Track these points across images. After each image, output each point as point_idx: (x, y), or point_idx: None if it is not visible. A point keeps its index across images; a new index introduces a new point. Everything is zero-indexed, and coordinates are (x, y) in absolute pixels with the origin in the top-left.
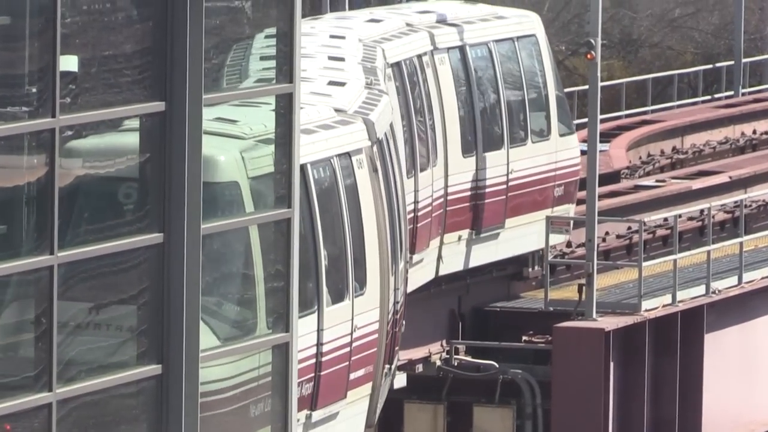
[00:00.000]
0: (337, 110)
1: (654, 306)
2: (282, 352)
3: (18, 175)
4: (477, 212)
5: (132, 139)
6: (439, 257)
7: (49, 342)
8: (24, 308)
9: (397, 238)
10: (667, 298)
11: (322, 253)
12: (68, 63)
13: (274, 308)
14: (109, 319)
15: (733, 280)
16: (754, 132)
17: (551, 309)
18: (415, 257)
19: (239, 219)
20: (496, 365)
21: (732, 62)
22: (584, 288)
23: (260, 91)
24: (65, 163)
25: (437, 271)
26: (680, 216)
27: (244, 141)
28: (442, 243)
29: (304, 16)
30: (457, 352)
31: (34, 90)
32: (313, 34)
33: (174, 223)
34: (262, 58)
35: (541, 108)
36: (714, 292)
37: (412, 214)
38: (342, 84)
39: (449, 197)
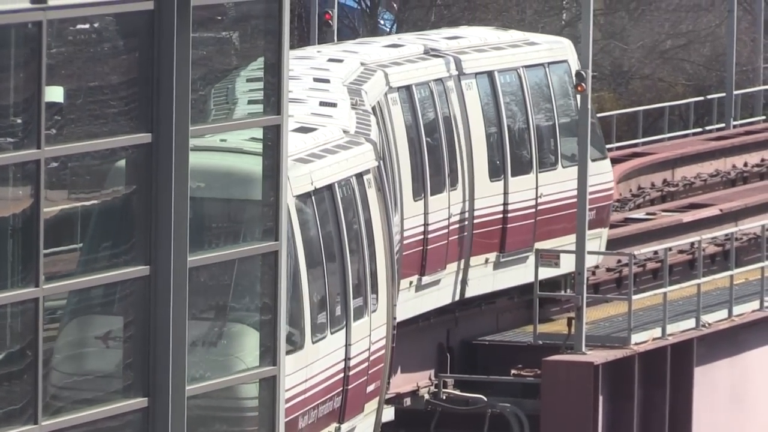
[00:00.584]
0: (344, 131)
1: (643, 339)
2: (269, 385)
3: (2, 206)
4: (505, 235)
5: None
6: (465, 280)
7: (35, 374)
8: (10, 340)
9: (394, 255)
10: (657, 332)
11: (349, 269)
12: (54, 94)
13: (262, 341)
14: (96, 351)
15: (723, 313)
16: (745, 165)
17: (540, 342)
18: (427, 278)
19: (226, 252)
20: (485, 399)
21: (723, 94)
22: (573, 321)
23: (248, 123)
24: (50, 195)
25: (463, 294)
26: (670, 249)
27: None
28: (468, 266)
29: (291, 47)
30: (445, 385)
31: (19, 121)
32: (314, 57)
33: (160, 255)
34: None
35: (572, 133)
36: (704, 326)
37: (422, 236)
38: (333, 104)
39: (475, 220)
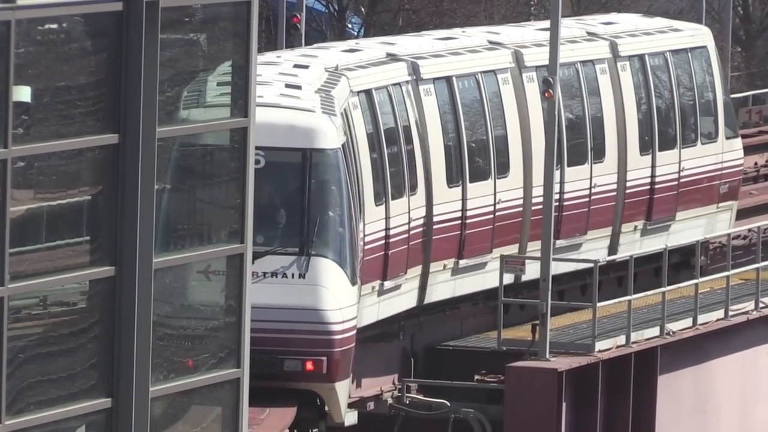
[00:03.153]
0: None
1: (608, 347)
2: (233, 387)
3: None
4: (651, 205)
5: None
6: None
7: None
8: None
9: None
10: (621, 339)
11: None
12: (21, 94)
13: (226, 344)
14: (60, 351)
15: (687, 321)
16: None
17: (504, 348)
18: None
19: (192, 254)
20: (448, 404)
21: None
22: (538, 328)
23: (215, 125)
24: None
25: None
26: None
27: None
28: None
29: (259, 50)
30: (409, 390)
31: None
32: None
33: (126, 256)
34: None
35: (710, 113)
36: (668, 334)
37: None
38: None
39: (628, 190)
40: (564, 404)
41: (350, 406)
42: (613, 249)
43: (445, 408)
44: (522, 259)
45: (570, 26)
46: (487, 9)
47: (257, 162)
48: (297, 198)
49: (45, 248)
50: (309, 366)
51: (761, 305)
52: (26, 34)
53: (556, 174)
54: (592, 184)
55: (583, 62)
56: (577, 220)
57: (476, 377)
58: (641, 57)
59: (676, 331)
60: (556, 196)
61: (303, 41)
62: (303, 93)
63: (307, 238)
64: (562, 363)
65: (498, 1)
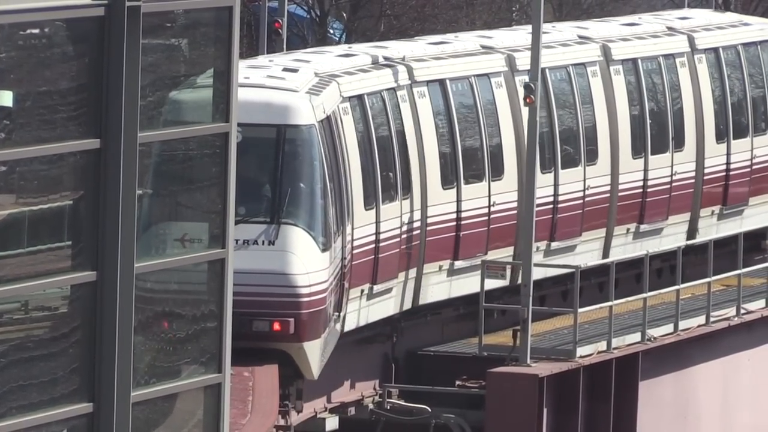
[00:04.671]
0: None
1: (589, 353)
2: (214, 392)
3: None
4: (727, 190)
5: None
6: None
7: None
8: None
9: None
10: (602, 345)
11: None
12: (3, 98)
13: (207, 348)
14: (41, 356)
15: (668, 327)
16: None
17: (485, 354)
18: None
19: (173, 258)
20: (429, 409)
21: None
22: (519, 333)
23: (196, 130)
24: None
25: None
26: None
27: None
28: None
29: (241, 56)
30: (389, 395)
31: None
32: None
33: (107, 261)
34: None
35: None
36: (649, 340)
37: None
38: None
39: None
40: (545, 410)
41: (331, 411)
42: (691, 233)
43: (426, 413)
44: (503, 265)
45: (651, 21)
46: (469, 15)
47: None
48: (270, 171)
49: (26, 253)
50: (276, 326)
51: (742, 311)
52: (8, 39)
53: (639, 162)
54: (673, 172)
55: (665, 56)
56: (659, 205)
57: (457, 383)
58: (716, 50)
59: (657, 337)
60: (640, 184)
61: (284, 46)
62: (289, 76)
63: (277, 208)
64: (543, 369)
65: (480, 6)
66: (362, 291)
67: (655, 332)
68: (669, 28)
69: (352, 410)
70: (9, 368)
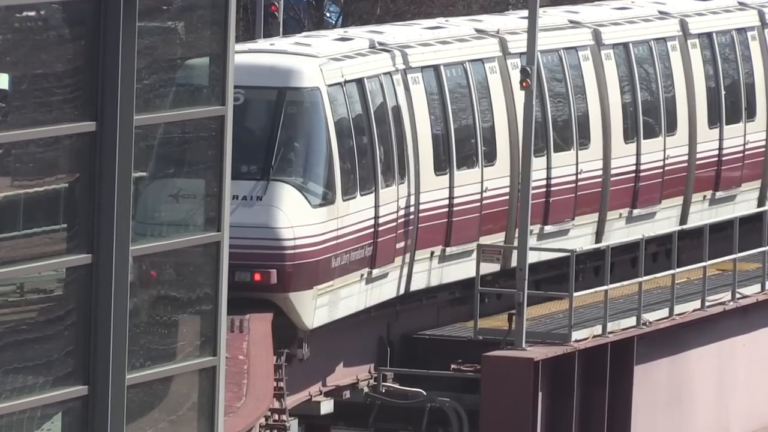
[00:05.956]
0: None
1: (584, 336)
2: (209, 375)
3: None
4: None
5: None
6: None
7: None
8: None
9: None
10: (598, 329)
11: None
12: None
13: (202, 331)
14: (36, 339)
15: (664, 312)
16: None
17: (481, 338)
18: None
19: (169, 241)
20: (424, 393)
21: None
22: (514, 317)
23: (193, 113)
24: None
25: None
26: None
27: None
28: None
29: (237, 39)
30: (385, 379)
31: None
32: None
33: (103, 244)
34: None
35: None
36: (645, 324)
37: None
38: None
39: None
40: (540, 394)
41: (326, 394)
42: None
43: (421, 397)
44: (498, 249)
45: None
46: None
47: (236, 99)
48: (267, 131)
49: (22, 236)
50: (257, 277)
51: (738, 296)
52: (4, 21)
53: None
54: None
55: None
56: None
57: (452, 366)
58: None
59: (652, 322)
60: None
61: (281, 30)
62: (315, 42)
63: (269, 166)
64: (539, 353)
65: None
66: (432, 252)
67: (650, 316)
68: (741, 4)
69: (347, 393)
70: (4, 351)
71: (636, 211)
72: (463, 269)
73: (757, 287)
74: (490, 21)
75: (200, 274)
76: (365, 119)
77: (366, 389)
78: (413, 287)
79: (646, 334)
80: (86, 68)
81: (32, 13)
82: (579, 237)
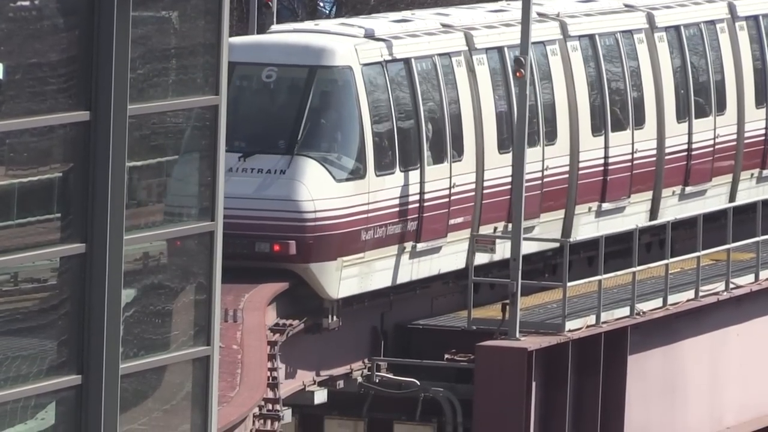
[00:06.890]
0: None
1: (578, 326)
2: (203, 365)
3: None
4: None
5: None
6: None
7: None
8: None
9: None
10: (591, 319)
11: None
12: None
13: (196, 321)
14: (30, 328)
15: (657, 302)
16: None
17: (474, 328)
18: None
19: (162, 231)
20: (418, 383)
21: None
22: (508, 307)
23: (187, 103)
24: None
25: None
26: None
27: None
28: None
29: (231, 29)
30: (378, 368)
31: None
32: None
33: (96, 233)
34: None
35: None
36: (638, 314)
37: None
38: None
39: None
40: (534, 384)
41: (320, 384)
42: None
43: (415, 387)
44: (492, 238)
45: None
46: None
47: (269, 77)
48: (296, 108)
49: (16, 225)
50: (276, 248)
51: (731, 286)
52: None
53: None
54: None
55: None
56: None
57: (446, 356)
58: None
59: (646, 311)
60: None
61: (275, 19)
62: (360, 21)
63: (294, 141)
64: (532, 342)
65: None
66: (495, 228)
67: (644, 306)
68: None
69: (340, 383)
70: None
71: (688, 189)
72: (524, 245)
73: (750, 277)
74: (549, 5)
75: (194, 263)
76: (411, 99)
77: (360, 379)
78: (477, 262)
79: (639, 324)
80: (80, 58)
81: (26, 3)
82: (635, 214)
